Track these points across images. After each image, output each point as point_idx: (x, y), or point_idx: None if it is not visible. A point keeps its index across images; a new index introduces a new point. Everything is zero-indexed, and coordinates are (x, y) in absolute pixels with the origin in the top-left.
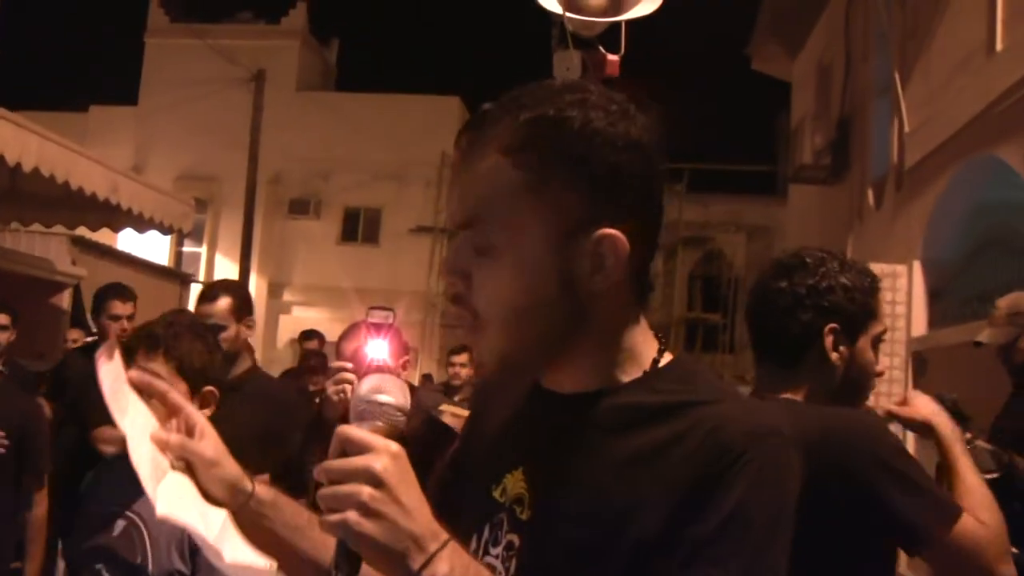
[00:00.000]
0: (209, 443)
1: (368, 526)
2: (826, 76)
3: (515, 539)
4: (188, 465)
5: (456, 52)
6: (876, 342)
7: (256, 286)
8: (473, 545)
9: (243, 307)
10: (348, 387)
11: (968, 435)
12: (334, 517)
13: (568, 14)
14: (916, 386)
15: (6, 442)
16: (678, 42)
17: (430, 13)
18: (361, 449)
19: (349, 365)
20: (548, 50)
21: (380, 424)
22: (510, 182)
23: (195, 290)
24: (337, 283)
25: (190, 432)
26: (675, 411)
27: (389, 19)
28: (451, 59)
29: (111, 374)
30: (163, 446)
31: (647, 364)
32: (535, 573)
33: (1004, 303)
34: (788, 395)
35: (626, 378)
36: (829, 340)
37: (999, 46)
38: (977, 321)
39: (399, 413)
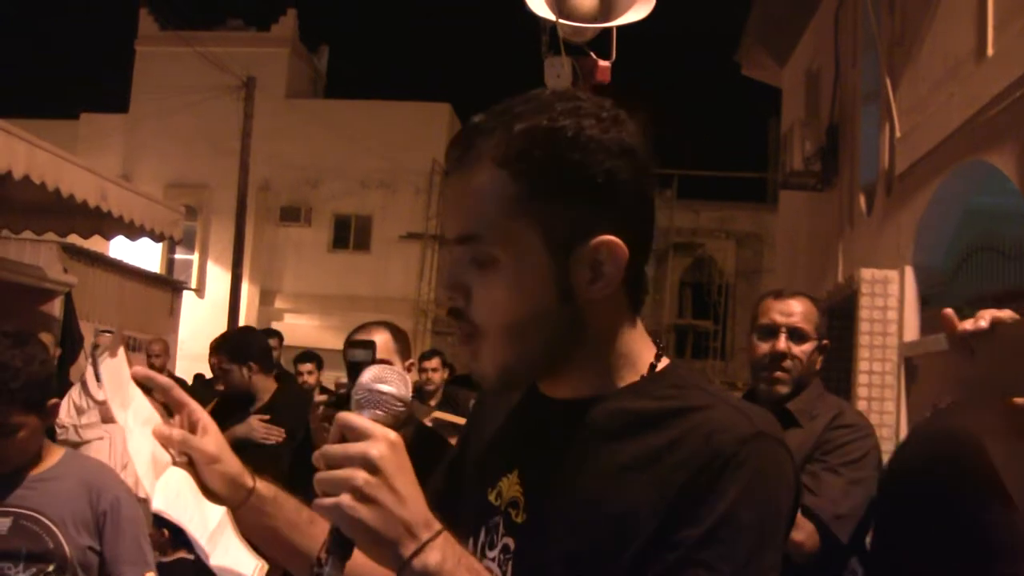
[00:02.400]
0: (211, 439)
1: (362, 511)
2: (815, 82)
3: (511, 542)
4: (190, 461)
5: (446, 59)
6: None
7: (247, 293)
8: (470, 548)
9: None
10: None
11: None
12: (328, 501)
13: (559, 20)
14: (908, 393)
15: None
16: (668, 48)
17: (420, 20)
18: (360, 436)
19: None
20: (538, 56)
21: (380, 413)
22: (507, 194)
23: (187, 297)
24: (328, 290)
25: (193, 428)
26: (670, 417)
27: (379, 26)
28: (441, 66)
29: (113, 369)
30: (165, 441)
31: (644, 369)
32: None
33: None
34: None
35: (622, 383)
36: None
37: (989, 52)
38: None
39: (400, 403)
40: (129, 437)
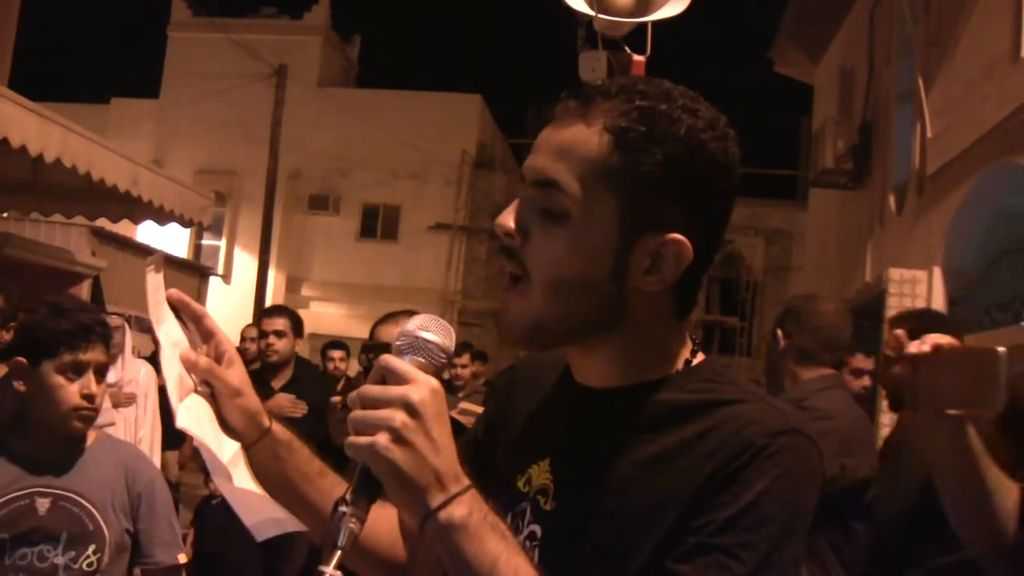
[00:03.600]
0: (235, 372)
1: (397, 452)
2: (849, 80)
3: (537, 529)
4: (212, 393)
5: (478, 50)
6: None
7: (274, 281)
8: None
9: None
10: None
11: None
12: (363, 439)
13: (598, 14)
14: None
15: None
16: (702, 44)
17: (453, 11)
18: (401, 379)
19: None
20: (571, 49)
21: (422, 360)
22: (603, 160)
23: (214, 283)
24: (355, 279)
25: (219, 359)
26: (701, 410)
27: (411, 16)
28: (473, 57)
29: (155, 285)
30: (191, 367)
31: (679, 363)
32: (557, 564)
33: None
34: None
35: (657, 375)
36: None
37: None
38: (997, 329)
39: (442, 353)
40: (162, 353)
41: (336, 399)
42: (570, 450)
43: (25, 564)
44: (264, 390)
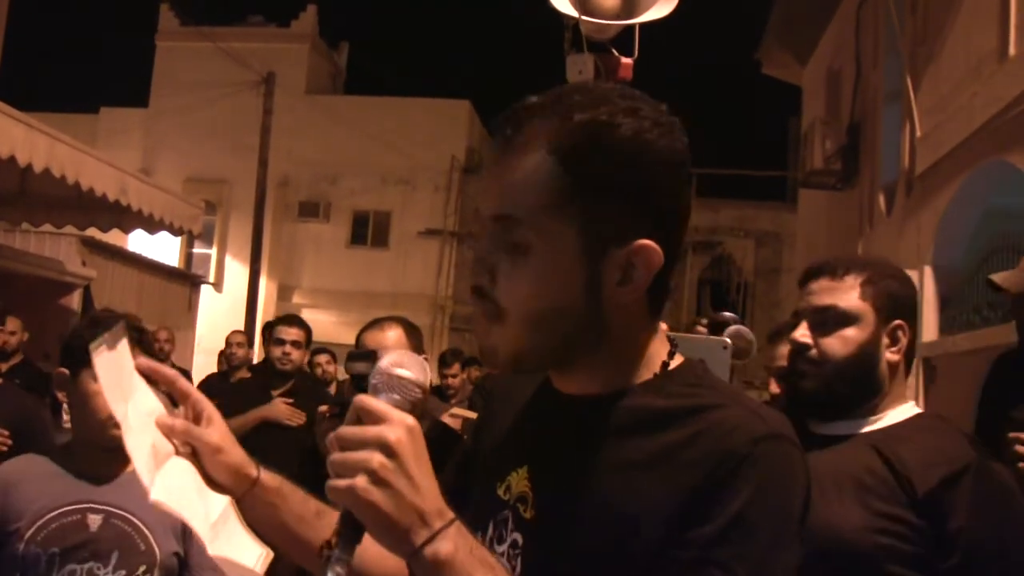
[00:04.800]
0: (215, 430)
1: (376, 494)
2: (836, 81)
3: (519, 538)
4: (193, 452)
5: (466, 56)
6: None
7: (265, 288)
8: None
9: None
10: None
11: None
12: (342, 483)
13: (583, 17)
14: (927, 393)
15: (8, 441)
16: (690, 46)
17: (440, 17)
18: (377, 419)
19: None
20: (560, 53)
21: (397, 397)
22: (553, 183)
23: (205, 291)
24: (346, 286)
25: (197, 419)
26: (682, 415)
27: (399, 23)
28: (461, 63)
29: (111, 364)
30: (168, 432)
31: (657, 367)
32: (538, 573)
33: None
34: None
35: (636, 381)
36: None
37: (1011, 51)
38: (987, 328)
39: (417, 389)
40: (126, 433)
41: (323, 408)
42: (548, 457)
43: None
44: (264, 396)
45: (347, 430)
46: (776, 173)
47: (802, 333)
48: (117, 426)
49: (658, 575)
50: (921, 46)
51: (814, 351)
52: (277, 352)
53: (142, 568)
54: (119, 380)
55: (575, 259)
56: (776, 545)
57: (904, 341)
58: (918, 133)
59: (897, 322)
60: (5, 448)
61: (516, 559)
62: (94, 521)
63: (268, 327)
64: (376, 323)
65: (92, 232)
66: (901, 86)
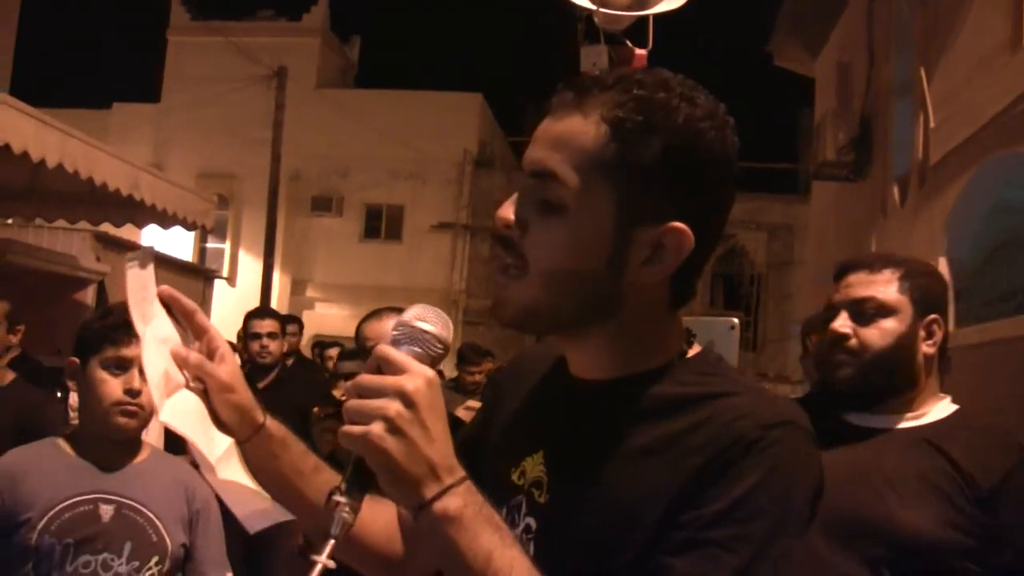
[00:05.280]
0: (227, 368)
1: (390, 442)
2: (848, 73)
3: (532, 522)
4: (204, 389)
5: (478, 48)
6: None
7: (279, 283)
8: None
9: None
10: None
11: None
12: (357, 429)
13: (599, 8)
14: (942, 385)
15: None
16: (701, 37)
17: (452, 9)
18: (397, 370)
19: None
20: (572, 45)
21: (418, 350)
22: (602, 150)
23: (218, 286)
24: (359, 280)
25: (211, 355)
26: (694, 402)
27: (410, 16)
28: (473, 56)
29: (140, 280)
30: (182, 363)
31: (672, 355)
32: (552, 557)
33: None
34: None
35: (650, 367)
36: None
37: (1023, 44)
38: (1000, 320)
39: (439, 344)
40: (145, 350)
41: (317, 409)
42: (563, 443)
43: (89, 572)
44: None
45: (366, 378)
46: (787, 165)
47: (842, 323)
48: (122, 414)
49: (660, 555)
50: (933, 38)
51: (853, 341)
52: (255, 347)
53: (154, 559)
54: (143, 301)
55: (607, 227)
56: (780, 531)
57: (939, 335)
58: (931, 124)
59: (933, 316)
60: None
61: (529, 543)
62: (106, 512)
63: (244, 323)
64: (375, 314)
65: (105, 227)
66: (913, 77)
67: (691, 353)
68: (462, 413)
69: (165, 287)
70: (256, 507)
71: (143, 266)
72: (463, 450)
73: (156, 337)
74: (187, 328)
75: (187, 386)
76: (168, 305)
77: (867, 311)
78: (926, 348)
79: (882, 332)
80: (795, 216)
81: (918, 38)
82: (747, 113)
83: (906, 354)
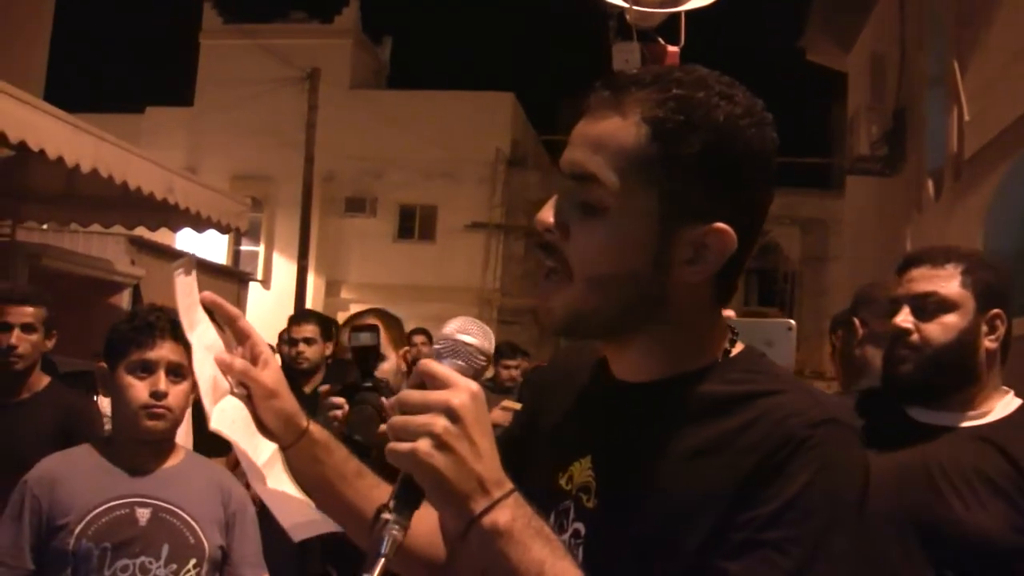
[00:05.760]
0: (271, 374)
1: (438, 458)
2: (881, 66)
3: (581, 527)
4: (248, 394)
5: (510, 48)
6: None
7: (313, 284)
8: None
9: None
10: (339, 413)
11: None
12: (404, 446)
13: (632, 6)
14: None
15: None
16: (733, 34)
17: (483, 9)
18: (441, 384)
19: (341, 400)
20: (604, 43)
21: (461, 363)
22: (642, 151)
23: (253, 288)
24: (394, 280)
25: (254, 360)
26: (742, 401)
27: (442, 16)
28: (505, 55)
29: (186, 288)
30: (226, 369)
31: (718, 354)
32: (601, 562)
33: None
34: None
35: (695, 367)
36: None
37: None
38: None
39: (482, 356)
40: (195, 357)
41: (324, 387)
42: (611, 446)
43: None
44: (297, 395)
45: (410, 394)
46: (821, 160)
47: (904, 318)
48: (149, 417)
49: (715, 558)
50: (966, 29)
51: (915, 336)
52: (292, 352)
53: (192, 561)
54: (190, 308)
55: (649, 229)
56: (832, 530)
57: (1002, 330)
58: (966, 117)
59: (995, 311)
60: None
61: (577, 548)
62: (143, 515)
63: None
64: (357, 317)
65: (140, 231)
66: (947, 70)
67: (735, 351)
68: (498, 414)
69: (208, 293)
70: (303, 517)
71: (187, 273)
72: (508, 451)
73: (202, 344)
74: (230, 334)
75: (232, 392)
76: (210, 311)
77: (929, 306)
78: (988, 343)
79: (944, 327)
80: (829, 211)
81: (951, 30)
82: (780, 108)
83: (968, 349)
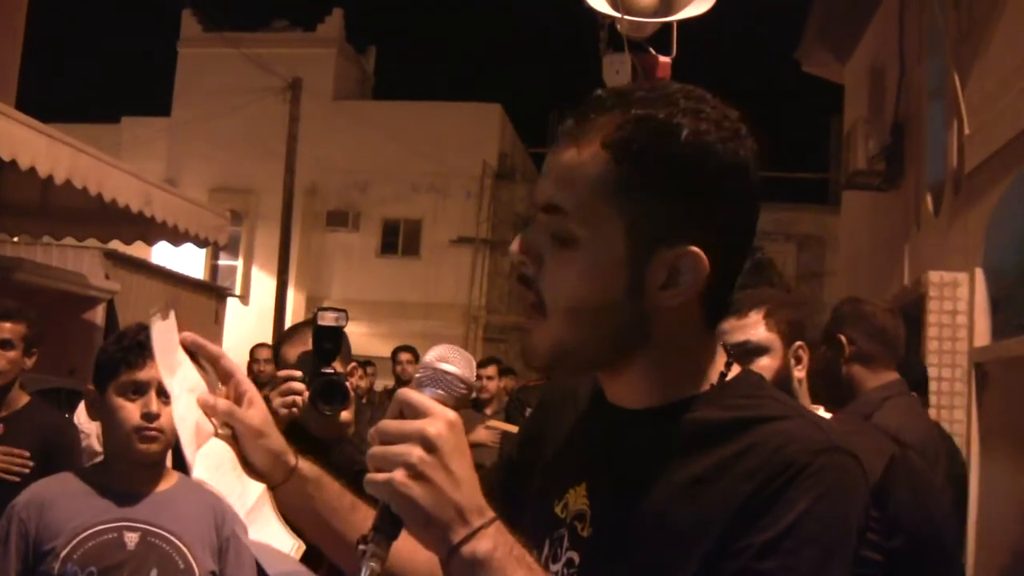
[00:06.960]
0: (257, 413)
1: (415, 488)
2: (879, 79)
3: (575, 556)
4: (233, 434)
5: (498, 58)
6: None
7: (294, 300)
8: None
9: None
10: (298, 399)
11: None
12: (380, 476)
13: (621, 15)
14: (980, 400)
15: (30, 463)
16: (727, 44)
17: (469, 19)
18: (418, 413)
19: (298, 374)
20: (593, 54)
21: (441, 392)
22: (603, 177)
23: (231, 304)
24: (377, 296)
25: (239, 400)
26: (739, 428)
27: (428, 25)
28: (493, 65)
29: (164, 332)
30: (210, 411)
31: (713, 378)
32: None
33: None
34: None
35: (690, 393)
36: None
37: None
38: None
39: (462, 385)
40: (175, 403)
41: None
42: (606, 474)
43: None
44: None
45: (388, 423)
46: (817, 175)
47: None
48: (141, 440)
49: None
50: (966, 42)
51: None
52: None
53: None
54: (168, 353)
55: (620, 257)
56: (829, 559)
57: (806, 359)
58: (966, 131)
59: (798, 343)
60: (27, 470)
61: None
62: (131, 539)
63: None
64: (296, 330)
65: (115, 245)
66: (946, 84)
67: (732, 374)
68: (483, 434)
69: (188, 334)
70: (288, 569)
71: (164, 317)
72: (506, 476)
73: (184, 388)
74: (212, 373)
75: (216, 434)
76: (191, 352)
77: (745, 354)
78: (797, 374)
79: (760, 371)
80: (825, 227)
81: (951, 43)
82: (775, 121)
83: (784, 385)
